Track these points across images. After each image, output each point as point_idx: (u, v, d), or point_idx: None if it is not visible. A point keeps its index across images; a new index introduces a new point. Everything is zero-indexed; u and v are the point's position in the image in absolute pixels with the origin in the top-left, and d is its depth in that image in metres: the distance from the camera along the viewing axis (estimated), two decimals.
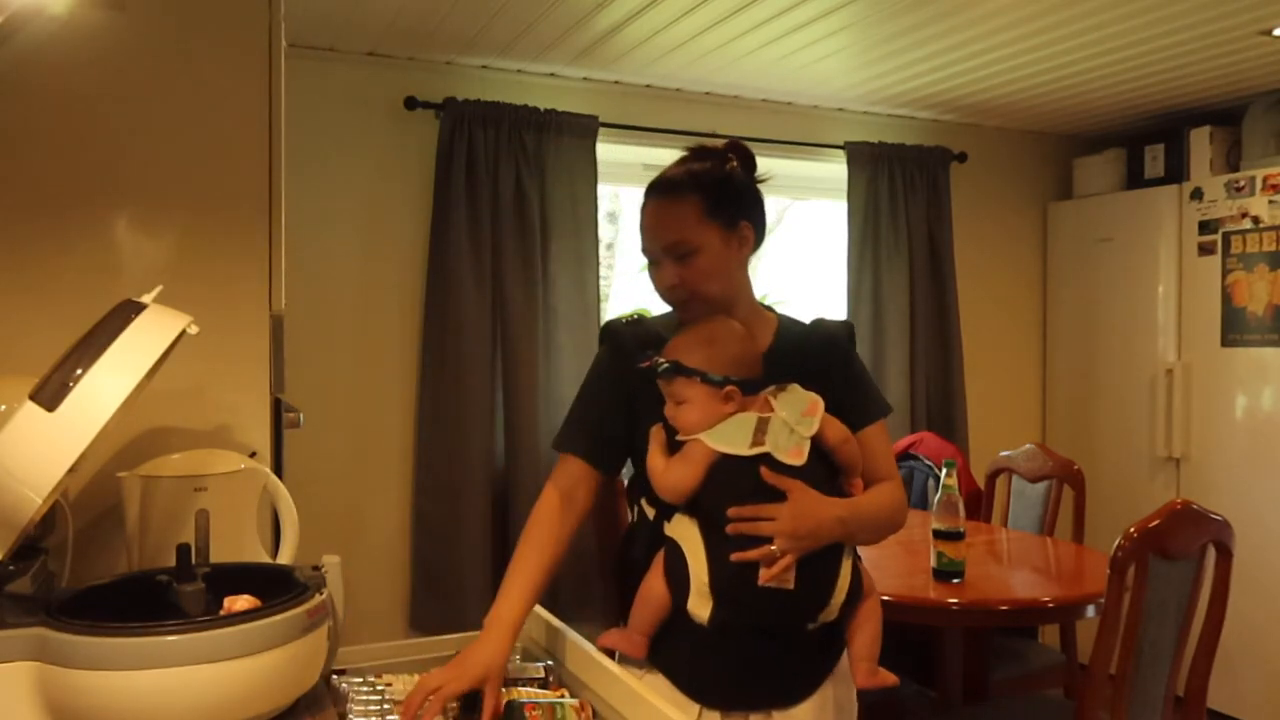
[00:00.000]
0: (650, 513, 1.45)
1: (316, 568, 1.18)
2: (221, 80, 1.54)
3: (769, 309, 1.60)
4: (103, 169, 1.47)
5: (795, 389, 1.39)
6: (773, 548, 1.30)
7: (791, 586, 1.31)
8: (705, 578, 1.31)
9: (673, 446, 1.38)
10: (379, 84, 3.11)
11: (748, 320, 1.49)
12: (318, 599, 1.09)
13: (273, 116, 1.57)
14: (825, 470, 1.39)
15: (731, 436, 1.34)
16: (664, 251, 1.45)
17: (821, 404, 1.38)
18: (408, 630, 3.11)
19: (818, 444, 1.36)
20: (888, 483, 1.50)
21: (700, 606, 1.32)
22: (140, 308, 1.09)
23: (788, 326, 1.56)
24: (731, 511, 1.31)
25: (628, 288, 4.01)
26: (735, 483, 1.33)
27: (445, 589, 3.07)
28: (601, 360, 1.56)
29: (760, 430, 1.34)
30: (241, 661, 0.98)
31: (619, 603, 1.54)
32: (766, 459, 1.33)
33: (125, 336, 1.05)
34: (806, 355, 1.50)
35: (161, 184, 1.51)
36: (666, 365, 1.36)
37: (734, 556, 1.30)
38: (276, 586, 1.10)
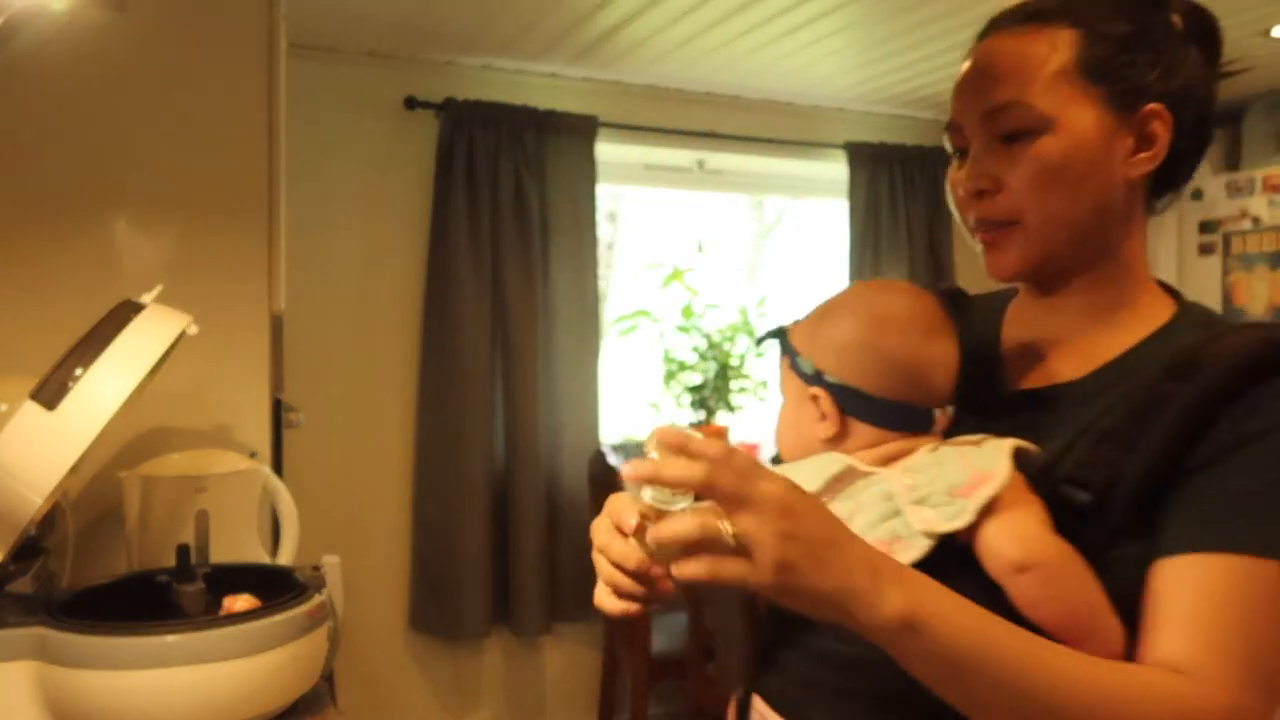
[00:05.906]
0: None
1: (316, 568, 1.18)
2: (221, 80, 1.54)
3: (1174, 293, 0.89)
4: (103, 169, 1.47)
5: (995, 443, 0.76)
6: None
7: None
8: None
9: None
10: (379, 84, 3.11)
11: (1135, 302, 0.85)
12: (317, 599, 1.09)
13: (273, 116, 1.57)
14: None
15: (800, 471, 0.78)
16: (980, 124, 0.81)
17: (1034, 506, 0.72)
18: (408, 630, 3.11)
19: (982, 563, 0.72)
20: (1181, 679, 0.67)
21: None
22: (140, 308, 1.10)
23: (1189, 327, 0.84)
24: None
25: (628, 288, 4.00)
26: None
27: (445, 589, 3.06)
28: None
29: (842, 480, 0.77)
30: (241, 661, 0.98)
31: None
32: None
33: (125, 336, 1.06)
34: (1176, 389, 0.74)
35: (161, 184, 1.51)
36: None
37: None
38: (276, 586, 1.10)
